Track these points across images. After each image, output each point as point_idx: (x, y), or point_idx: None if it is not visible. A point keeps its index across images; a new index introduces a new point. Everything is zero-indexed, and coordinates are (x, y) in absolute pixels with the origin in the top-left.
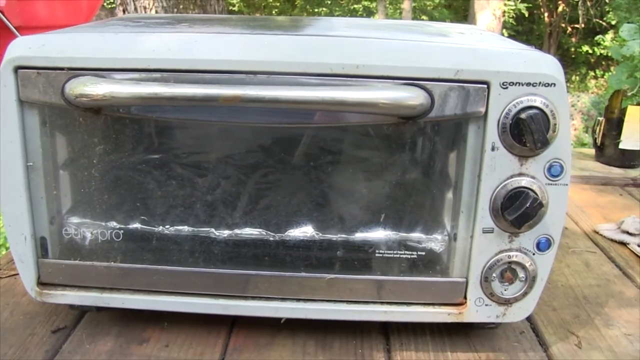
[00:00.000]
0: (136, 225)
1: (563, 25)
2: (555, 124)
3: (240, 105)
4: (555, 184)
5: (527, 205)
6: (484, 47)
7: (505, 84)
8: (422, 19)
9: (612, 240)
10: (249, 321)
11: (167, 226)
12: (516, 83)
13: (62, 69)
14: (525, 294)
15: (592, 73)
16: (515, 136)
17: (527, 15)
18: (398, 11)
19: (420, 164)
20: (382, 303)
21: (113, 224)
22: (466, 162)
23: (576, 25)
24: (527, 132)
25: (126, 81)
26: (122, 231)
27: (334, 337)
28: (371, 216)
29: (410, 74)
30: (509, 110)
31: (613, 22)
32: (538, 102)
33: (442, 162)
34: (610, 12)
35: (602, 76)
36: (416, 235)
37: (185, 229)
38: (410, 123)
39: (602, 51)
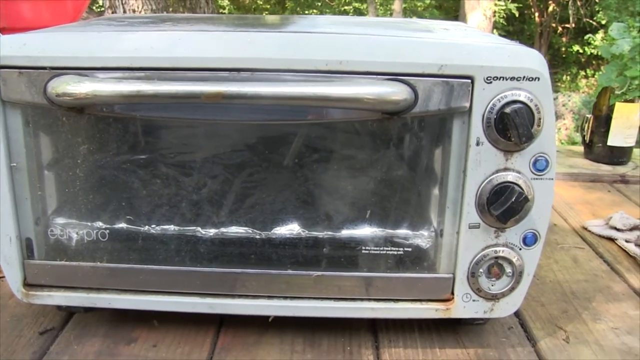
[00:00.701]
0: (122, 225)
1: (554, 25)
2: (540, 118)
3: (223, 103)
4: (541, 179)
5: (513, 200)
6: (467, 42)
7: (489, 78)
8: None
9: (600, 236)
10: (237, 320)
11: (153, 225)
12: (500, 77)
13: (44, 68)
14: (512, 289)
15: (582, 72)
16: (500, 131)
17: (517, 15)
18: (389, 12)
19: (406, 159)
20: (369, 300)
21: (99, 224)
22: (451, 157)
23: (567, 25)
24: (511, 127)
25: (109, 79)
26: (107, 231)
27: (322, 334)
28: (357, 213)
29: (393, 70)
30: (494, 105)
31: (603, 22)
32: (522, 96)
33: (428, 158)
34: (600, 12)
35: (593, 75)
36: (402, 231)
37: (171, 228)
38: (395, 119)
39: (593, 51)
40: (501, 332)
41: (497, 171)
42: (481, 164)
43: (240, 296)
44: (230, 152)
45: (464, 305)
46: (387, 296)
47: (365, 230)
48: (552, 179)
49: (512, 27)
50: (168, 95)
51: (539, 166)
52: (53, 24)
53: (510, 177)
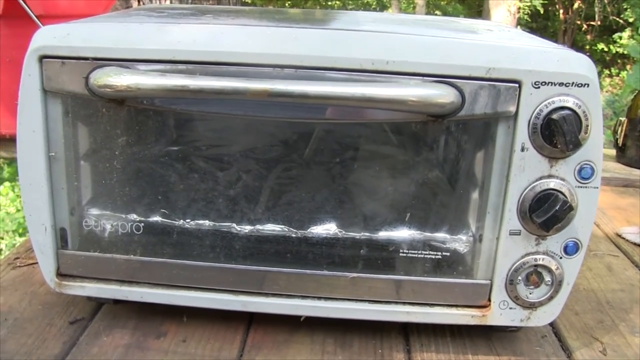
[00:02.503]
0: (157, 218)
1: (578, 22)
2: (587, 125)
3: (268, 100)
4: (585, 187)
5: (557, 208)
6: (516, 46)
7: (537, 83)
8: (436, 14)
9: (635, 244)
10: (267, 318)
11: (187, 220)
12: (548, 83)
13: (86, 58)
14: (550, 298)
15: (607, 71)
16: (545, 137)
17: (542, 11)
18: (412, 5)
19: (447, 163)
20: (404, 303)
21: (133, 216)
22: (494, 162)
23: (592, 23)
24: (558, 133)
25: (152, 72)
26: (142, 224)
27: (353, 336)
28: (396, 215)
29: (440, 72)
30: (540, 111)
31: (630, 20)
32: (570, 102)
33: (469, 162)
34: (628, 10)
35: (618, 74)
36: (441, 235)
37: (206, 223)
38: (439, 121)
39: (618, 49)
40: (535, 340)
41: (541, 178)
42: (525, 170)
43: (273, 295)
44: (267, 148)
45: (500, 313)
46: (423, 300)
47: (403, 233)
48: (597, 187)
49: (536, 23)
50: (213, 90)
51: (584, 174)
52: (87, 11)
53: (554, 184)
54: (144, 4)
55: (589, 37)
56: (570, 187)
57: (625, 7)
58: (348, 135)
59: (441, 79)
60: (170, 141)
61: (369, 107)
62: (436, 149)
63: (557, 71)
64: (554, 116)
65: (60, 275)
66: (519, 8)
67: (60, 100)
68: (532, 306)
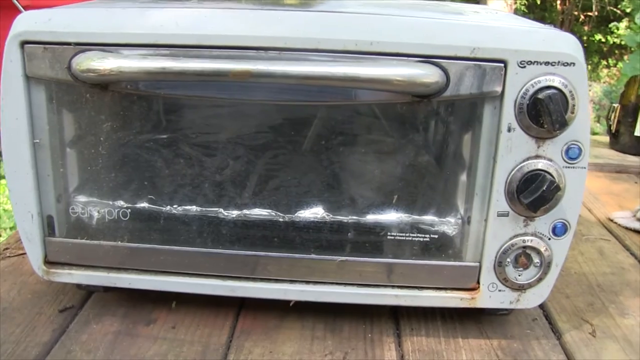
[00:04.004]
0: (144, 204)
1: (575, 13)
2: (574, 105)
3: (251, 81)
4: (573, 167)
5: (544, 188)
6: (501, 25)
7: (523, 62)
8: None
9: (627, 228)
10: (257, 303)
11: (175, 206)
12: (534, 62)
13: (68, 44)
14: (539, 279)
15: (604, 62)
16: (532, 117)
17: (539, 2)
18: None
19: (434, 145)
20: (393, 287)
21: (120, 202)
22: (481, 143)
23: (589, 13)
24: (545, 113)
25: (134, 56)
26: (129, 210)
27: (343, 320)
28: (383, 198)
29: (425, 52)
30: (527, 90)
31: (628, 10)
32: (556, 82)
33: (456, 143)
34: (625, 0)
35: (615, 65)
36: (429, 218)
37: (193, 208)
38: (425, 102)
39: (615, 40)
40: (525, 323)
41: (528, 158)
42: (512, 150)
43: (261, 280)
44: (254, 133)
45: (489, 295)
46: (411, 283)
47: (390, 216)
48: (585, 167)
49: (533, 14)
50: (194, 72)
51: (572, 154)
52: (75, 1)
53: (541, 164)
54: None
55: (586, 27)
56: (557, 167)
57: None
58: (334, 119)
59: (425, 59)
60: (156, 127)
61: (352, 87)
62: (423, 131)
63: (542, 50)
64: (540, 95)
65: (48, 262)
66: None
67: (44, 86)
68: (521, 288)
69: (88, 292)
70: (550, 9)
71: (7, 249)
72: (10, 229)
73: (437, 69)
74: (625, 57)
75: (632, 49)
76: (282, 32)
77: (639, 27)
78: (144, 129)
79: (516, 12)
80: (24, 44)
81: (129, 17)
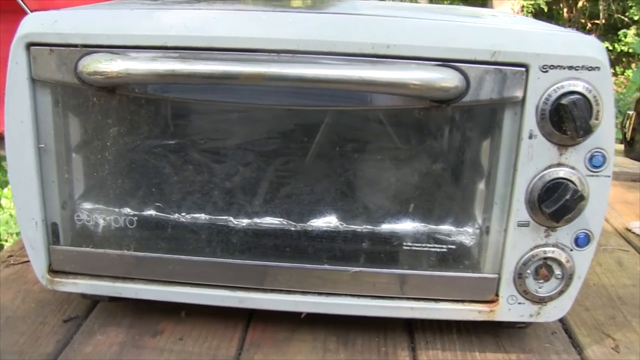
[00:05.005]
0: (151, 212)
1: (583, 21)
2: (598, 111)
3: (263, 84)
4: (597, 176)
5: (567, 197)
6: (522, 28)
7: (545, 67)
8: None
9: None
10: (267, 315)
11: (183, 214)
12: (557, 66)
13: (75, 45)
14: (561, 292)
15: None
16: (554, 123)
17: (546, 10)
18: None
19: (451, 151)
20: (408, 299)
21: (127, 210)
22: (501, 150)
23: (596, 21)
24: (568, 119)
25: (142, 58)
26: (136, 218)
27: (356, 333)
28: (398, 207)
29: (444, 55)
30: (549, 96)
31: (635, 18)
32: (580, 87)
33: (474, 150)
34: (633, 7)
35: (622, 73)
36: (446, 227)
37: (202, 217)
38: (443, 108)
39: (623, 47)
40: (544, 336)
41: (550, 166)
42: (533, 158)
43: (272, 291)
44: (264, 139)
45: (508, 308)
46: (427, 295)
47: (406, 225)
48: (609, 176)
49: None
50: (204, 75)
51: (595, 162)
52: (83, 4)
53: (564, 173)
54: None
55: (593, 35)
56: (580, 175)
57: (630, 4)
58: (347, 125)
59: (444, 62)
60: (164, 132)
61: (368, 91)
62: (440, 137)
63: (566, 54)
64: (563, 101)
65: (52, 271)
66: (523, 6)
67: (50, 89)
68: (541, 301)
69: (93, 301)
70: (557, 16)
71: (11, 256)
72: (17, 234)
73: (456, 73)
74: (634, 65)
75: None
76: (296, 34)
77: None
78: (151, 134)
79: None
80: (29, 45)
81: (137, 18)
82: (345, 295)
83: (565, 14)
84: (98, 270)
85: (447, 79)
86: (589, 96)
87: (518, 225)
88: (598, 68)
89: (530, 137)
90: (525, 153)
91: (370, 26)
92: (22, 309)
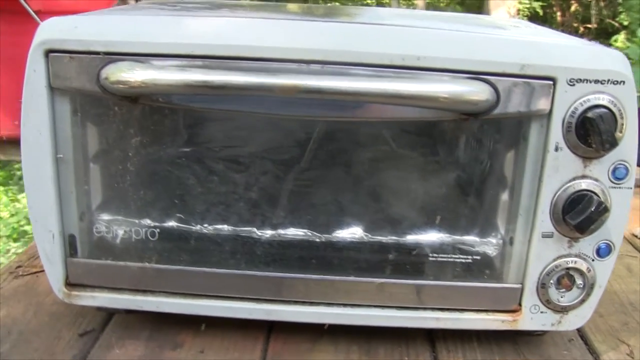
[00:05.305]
0: (173, 223)
1: (575, 25)
2: (622, 124)
3: (297, 97)
4: (619, 187)
5: (592, 209)
6: (550, 41)
7: (572, 80)
8: None
9: None
10: (288, 326)
11: (205, 225)
12: (584, 80)
13: (97, 53)
14: (582, 301)
15: None
16: (580, 136)
17: (541, 13)
18: (411, 7)
19: (477, 163)
20: (432, 309)
21: (148, 221)
22: (526, 162)
23: (588, 25)
24: (594, 133)
25: (171, 67)
26: (157, 230)
27: (378, 343)
28: (423, 218)
29: (474, 68)
30: (575, 109)
31: (625, 23)
32: (606, 100)
33: (500, 162)
34: (623, 13)
35: None
36: (470, 238)
37: (225, 228)
38: (471, 120)
39: None
40: (561, 343)
41: (575, 178)
42: (559, 170)
43: (297, 302)
44: (288, 149)
45: (531, 317)
46: (452, 306)
47: (431, 236)
48: (631, 188)
49: None
50: (238, 86)
51: (619, 174)
52: (89, 8)
53: (588, 185)
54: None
55: (586, 39)
56: (604, 187)
57: (620, 10)
58: (377, 135)
59: (475, 75)
60: (185, 141)
61: (403, 105)
62: (465, 149)
63: (592, 68)
64: (590, 114)
65: (70, 284)
66: (519, 10)
67: (69, 98)
68: (563, 310)
69: (109, 313)
70: (551, 20)
71: (19, 266)
72: (7, 237)
73: (487, 86)
74: None
75: (633, 61)
76: (325, 44)
77: None
78: (173, 144)
79: None
80: (48, 52)
81: (161, 25)
82: (371, 306)
83: (558, 18)
84: (117, 283)
85: (478, 92)
86: (614, 110)
87: (542, 237)
88: (623, 82)
89: (556, 149)
90: (551, 165)
91: (400, 37)
92: (35, 323)
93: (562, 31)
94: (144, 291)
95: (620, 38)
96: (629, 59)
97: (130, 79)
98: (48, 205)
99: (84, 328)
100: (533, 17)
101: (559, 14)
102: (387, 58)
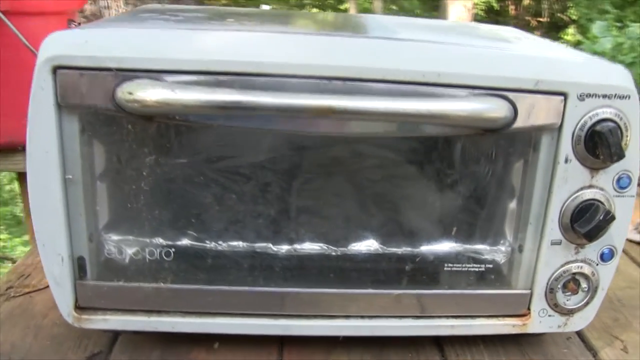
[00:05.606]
0: (186, 242)
1: (528, 18)
2: (627, 137)
3: (330, 117)
4: (623, 196)
5: (600, 218)
6: (561, 57)
7: (582, 95)
8: (392, 9)
9: (631, 241)
10: (301, 338)
11: (220, 242)
12: (593, 95)
13: (109, 69)
14: (587, 303)
15: None
16: (589, 148)
17: (497, 7)
18: (368, 1)
19: (490, 175)
20: (447, 317)
21: (160, 240)
22: (537, 173)
23: (540, 19)
24: (603, 145)
25: (196, 87)
26: (173, 250)
27: (389, 351)
28: (439, 229)
29: (492, 84)
30: (585, 123)
31: (574, 17)
32: (612, 114)
33: (511, 174)
34: (572, 8)
35: None
36: (483, 247)
37: (241, 245)
38: (488, 135)
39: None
40: (561, 342)
41: (582, 188)
42: (568, 181)
43: (315, 317)
44: (302, 164)
45: (539, 321)
46: (466, 313)
47: (447, 246)
48: (633, 196)
49: (488, 18)
50: (272, 107)
51: (622, 184)
52: (58, 8)
53: (594, 194)
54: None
55: (538, 33)
56: (608, 196)
57: (569, 5)
58: (390, 148)
59: (493, 91)
60: (199, 159)
61: (432, 124)
62: (477, 160)
63: (601, 83)
64: (598, 128)
65: (79, 308)
66: (475, 4)
67: (77, 116)
68: (569, 312)
69: (114, 334)
70: (504, 13)
71: (10, 287)
72: None
73: (505, 102)
74: None
75: None
76: (348, 61)
77: (596, 37)
78: (186, 162)
79: (475, 16)
80: (56, 69)
81: (176, 39)
82: (388, 317)
83: (512, 11)
84: (131, 305)
85: (497, 109)
86: (620, 123)
87: (551, 244)
88: (629, 97)
89: (566, 161)
90: (560, 176)
91: (420, 54)
92: (37, 348)
93: (515, 25)
94: (159, 312)
95: (570, 32)
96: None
97: (153, 98)
98: (57, 227)
99: (91, 350)
100: (489, 11)
101: (512, 7)
102: (409, 75)
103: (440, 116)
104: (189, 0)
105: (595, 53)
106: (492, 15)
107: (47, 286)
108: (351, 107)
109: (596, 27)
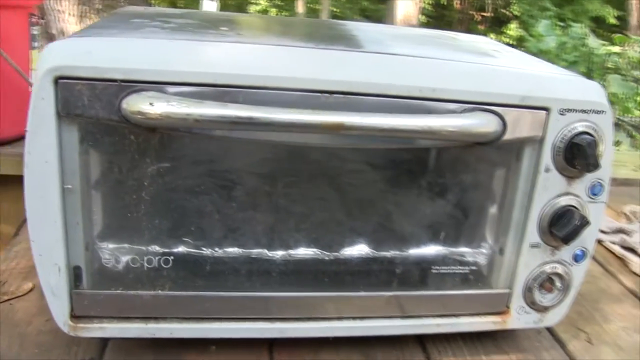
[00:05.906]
0: (183, 249)
1: (472, 13)
2: (601, 149)
3: (340, 133)
4: (595, 202)
5: (577, 222)
6: (544, 74)
7: (563, 110)
8: (340, 0)
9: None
10: (290, 338)
11: (216, 249)
12: (572, 110)
13: (114, 80)
14: (560, 301)
15: None
16: (567, 159)
17: (444, 2)
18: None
19: (475, 183)
20: (434, 316)
21: (156, 248)
22: (519, 182)
23: (484, 14)
24: (581, 156)
25: (207, 102)
26: (168, 257)
27: (375, 349)
28: (426, 234)
29: (483, 99)
30: (564, 135)
31: (516, 13)
32: (589, 128)
33: (496, 182)
34: (514, 4)
35: None
36: (467, 250)
37: (238, 251)
38: (475, 146)
39: (507, 40)
40: (533, 336)
41: (559, 195)
42: (548, 189)
43: (310, 319)
44: (298, 173)
45: (518, 318)
46: (451, 312)
47: (434, 250)
48: (604, 202)
49: (435, 12)
50: (285, 123)
51: (595, 191)
52: (17, 1)
53: (571, 200)
54: None
55: (482, 27)
56: (582, 202)
57: (512, 1)
58: (380, 157)
59: (484, 106)
60: (196, 167)
61: (432, 139)
62: (466, 171)
63: (580, 99)
64: (576, 140)
65: (75, 317)
66: None
67: (77, 126)
68: (545, 309)
69: (102, 339)
70: (450, 7)
71: None
72: None
73: (495, 117)
74: None
75: (535, 55)
76: (350, 76)
77: (541, 35)
78: (184, 170)
79: (422, 10)
80: (58, 79)
81: (181, 51)
82: (380, 317)
83: (457, 6)
84: (128, 313)
85: (488, 123)
86: (596, 136)
87: (530, 247)
88: (604, 112)
89: (547, 170)
90: (541, 185)
91: (417, 70)
92: (24, 357)
93: (460, 18)
94: (156, 318)
95: (512, 27)
96: (530, 52)
97: (161, 111)
98: (54, 237)
99: (82, 357)
100: (436, 5)
101: (457, 2)
102: (406, 90)
103: (439, 132)
104: (138, 2)
105: (540, 51)
106: (438, 10)
107: (27, 293)
108: (361, 124)
109: (541, 26)
